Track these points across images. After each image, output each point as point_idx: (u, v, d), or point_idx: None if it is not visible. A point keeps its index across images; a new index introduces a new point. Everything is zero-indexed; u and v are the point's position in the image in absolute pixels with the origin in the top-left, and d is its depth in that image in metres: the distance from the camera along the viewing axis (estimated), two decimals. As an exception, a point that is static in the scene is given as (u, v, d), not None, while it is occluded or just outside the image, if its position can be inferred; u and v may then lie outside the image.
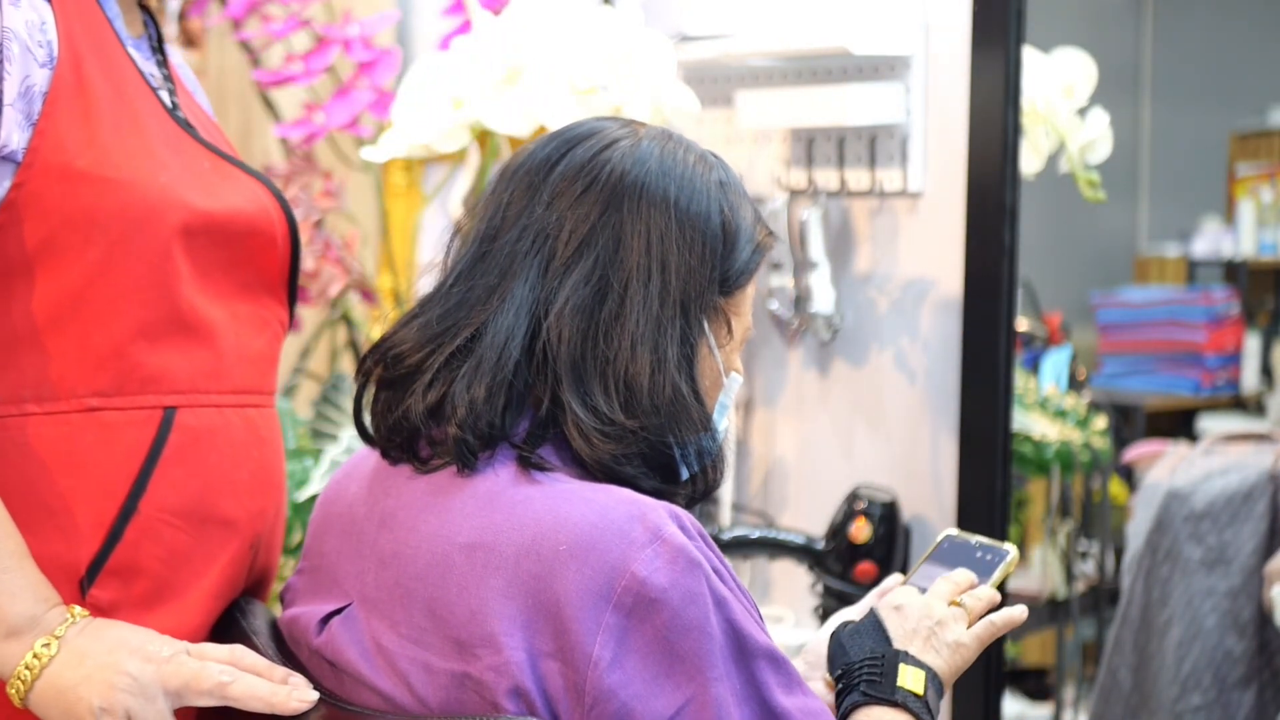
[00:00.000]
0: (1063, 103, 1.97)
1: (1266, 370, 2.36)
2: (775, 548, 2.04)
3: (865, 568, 1.96)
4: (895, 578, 1.38)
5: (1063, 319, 2.31)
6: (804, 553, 2.02)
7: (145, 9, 1.41)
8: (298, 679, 1.18)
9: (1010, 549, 1.34)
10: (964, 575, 1.31)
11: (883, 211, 2.10)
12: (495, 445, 1.14)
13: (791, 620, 2.23)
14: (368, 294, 2.44)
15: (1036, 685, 2.36)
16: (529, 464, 1.13)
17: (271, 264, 1.40)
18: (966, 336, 1.95)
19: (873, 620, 1.28)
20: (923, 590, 1.31)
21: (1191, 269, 2.44)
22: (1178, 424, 2.37)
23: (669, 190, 1.18)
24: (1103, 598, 2.25)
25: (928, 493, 2.04)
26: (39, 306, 1.24)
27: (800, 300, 2.14)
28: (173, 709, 1.17)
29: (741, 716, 1.07)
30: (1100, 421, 2.20)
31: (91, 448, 1.26)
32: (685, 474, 1.19)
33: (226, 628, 1.32)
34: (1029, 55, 1.91)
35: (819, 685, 1.28)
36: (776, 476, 2.28)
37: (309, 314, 2.53)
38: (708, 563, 1.09)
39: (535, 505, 1.10)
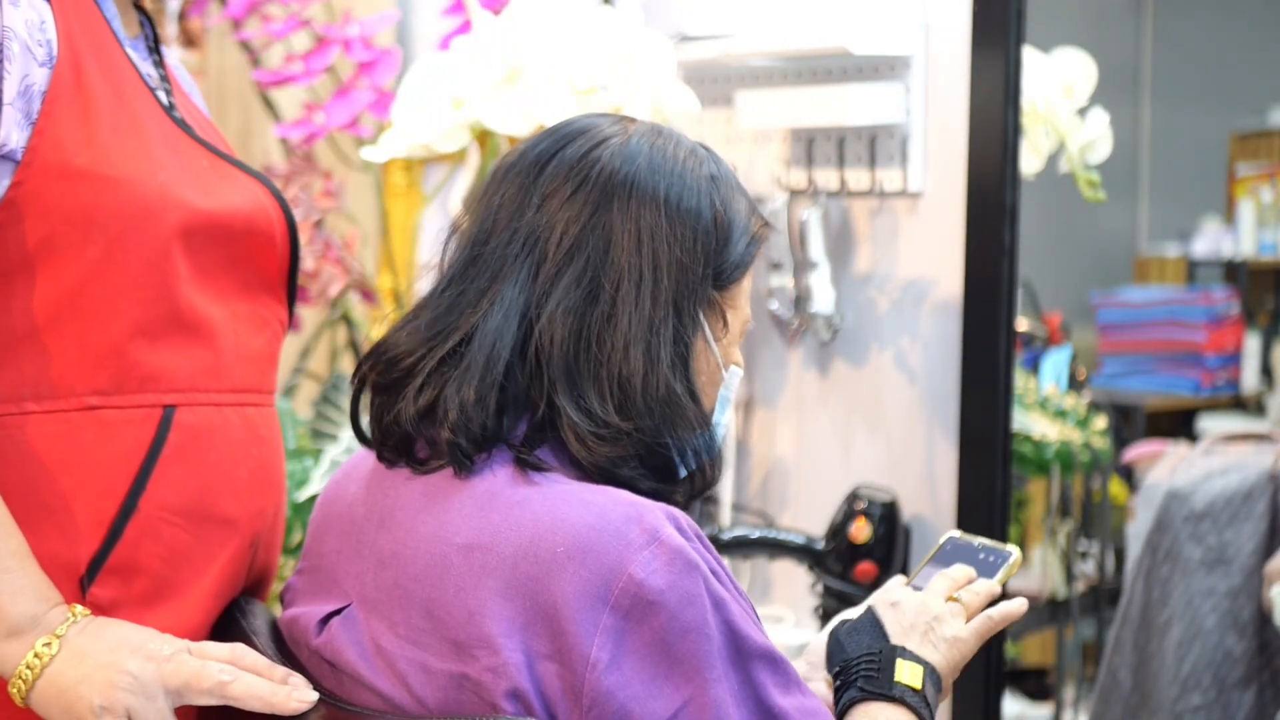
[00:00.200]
0: (1063, 103, 1.97)
1: (1266, 370, 2.35)
2: (775, 548, 2.04)
3: (865, 568, 1.96)
4: (898, 579, 1.38)
5: (1063, 319, 2.31)
6: (804, 553, 2.02)
7: (141, 9, 1.41)
8: (298, 679, 1.18)
9: (1013, 550, 1.34)
10: (961, 571, 1.31)
11: (883, 211, 2.10)
12: (491, 447, 1.14)
13: (791, 620, 2.23)
14: (368, 294, 2.44)
15: (1036, 685, 2.36)
16: (526, 465, 1.13)
17: (270, 263, 1.40)
18: (966, 336, 1.95)
19: (870, 617, 1.28)
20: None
21: (1191, 269, 2.44)
22: (1178, 424, 2.37)
23: (659, 187, 1.18)
24: (1103, 598, 2.25)
25: (927, 493, 2.04)
26: (38, 305, 1.24)
27: (800, 300, 2.14)
28: (173, 708, 1.17)
29: (740, 717, 1.07)
30: (1100, 421, 2.20)
31: (91, 446, 1.26)
32: (683, 473, 1.19)
33: (227, 627, 1.32)
34: (1029, 55, 1.91)
35: (820, 686, 1.28)
36: (776, 476, 2.28)
37: (309, 314, 2.53)
38: (705, 564, 1.09)
39: (533, 506, 1.10)
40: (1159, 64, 2.36)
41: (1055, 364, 2.26)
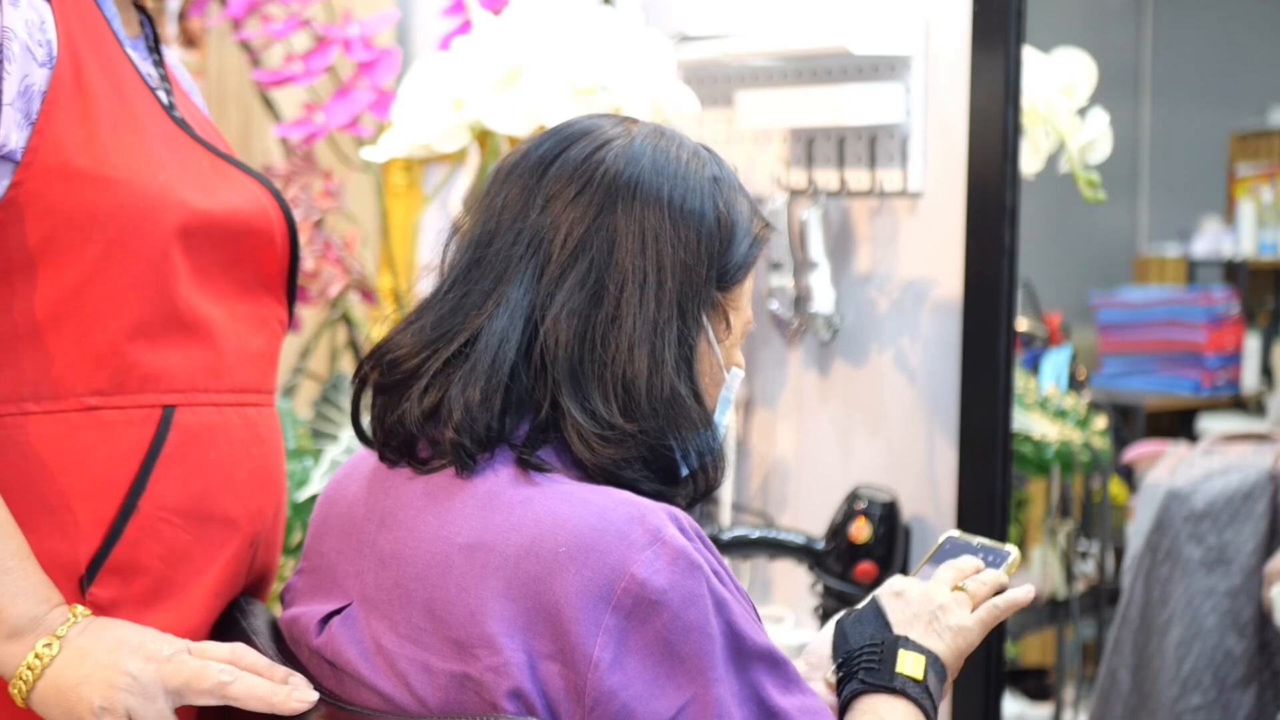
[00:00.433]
0: (1063, 103, 1.97)
1: (1266, 370, 2.35)
2: (775, 548, 2.04)
3: (865, 568, 1.96)
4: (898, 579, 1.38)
5: (1063, 319, 2.31)
6: (804, 553, 2.02)
7: (141, 9, 1.41)
8: (298, 679, 1.18)
9: (1012, 550, 1.34)
10: (968, 561, 1.31)
11: (883, 211, 2.10)
12: (494, 447, 1.14)
13: (791, 620, 2.23)
14: (368, 294, 2.44)
15: (1036, 685, 2.36)
16: (529, 465, 1.13)
17: (270, 263, 1.40)
18: (966, 336, 1.95)
19: (874, 607, 1.28)
20: None
21: (1191, 269, 2.44)
22: (1178, 424, 2.37)
23: (662, 189, 1.18)
24: (1103, 598, 2.25)
25: (927, 493, 2.04)
26: (39, 305, 1.24)
27: (800, 300, 2.14)
28: (173, 708, 1.17)
29: (741, 717, 1.07)
30: (1100, 421, 2.20)
31: (91, 446, 1.26)
32: (686, 474, 1.19)
33: (227, 627, 1.32)
34: (1029, 55, 1.91)
35: (820, 686, 1.28)
36: (776, 476, 2.28)
37: (309, 314, 2.53)
38: (707, 564, 1.09)
39: (534, 506, 1.10)
40: (1159, 64, 2.36)
41: (1055, 364, 2.26)
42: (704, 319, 1.20)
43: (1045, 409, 2.17)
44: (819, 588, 2.02)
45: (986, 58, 1.90)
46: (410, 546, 1.14)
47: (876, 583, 1.84)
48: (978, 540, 1.37)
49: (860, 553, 1.97)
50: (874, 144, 2.07)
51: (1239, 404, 2.37)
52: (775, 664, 1.11)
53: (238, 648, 1.20)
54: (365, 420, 1.24)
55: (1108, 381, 2.42)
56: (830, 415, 2.19)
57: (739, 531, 2.04)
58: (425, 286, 1.24)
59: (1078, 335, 2.37)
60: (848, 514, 1.99)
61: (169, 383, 1.29)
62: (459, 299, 1.18)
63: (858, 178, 2.10)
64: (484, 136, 1.99)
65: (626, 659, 1.05)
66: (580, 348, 1.14)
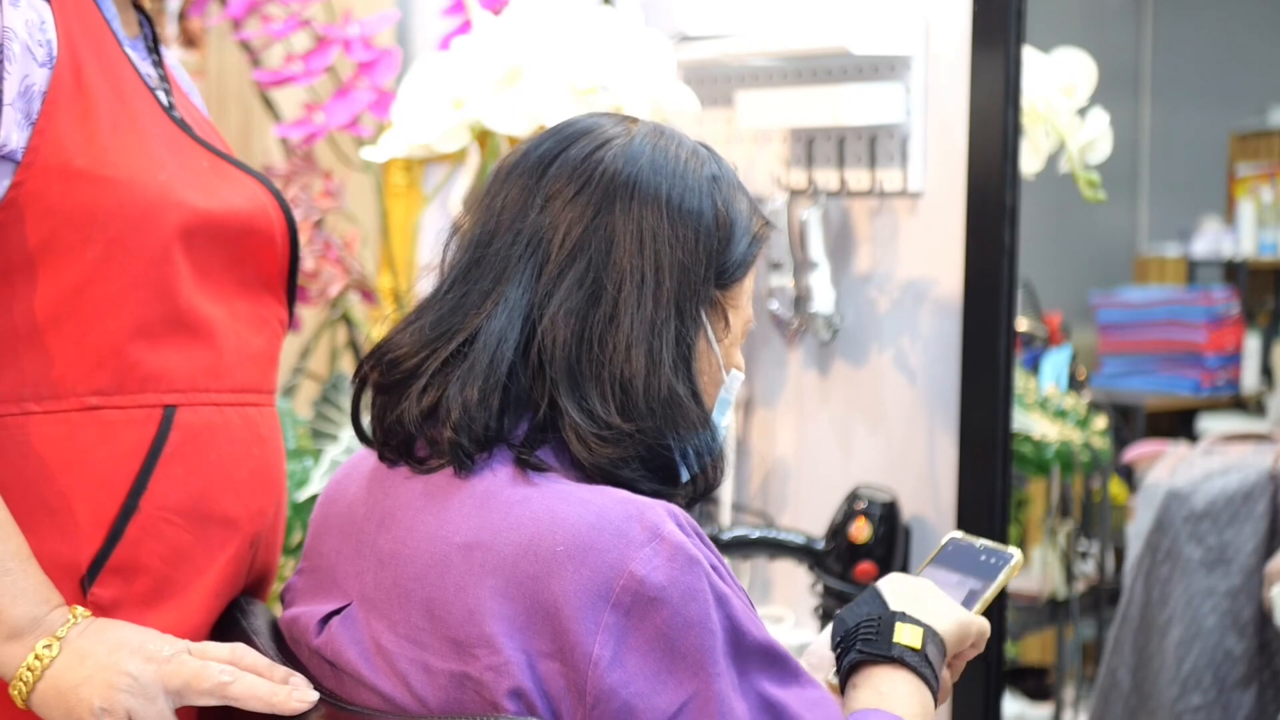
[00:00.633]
0: (1063, 103, 1.97)
1: (1266, 370, 2.35)
2: (775, 548, 2.04)
3: (865, 568, 1.96)
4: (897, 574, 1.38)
5: (1063, 319, 2.31)
6: (804, 553, 2.02)
7: (141, 9, 1.41)
8: (298, 679, 1.18)
9: (1015, 552, 1.34)
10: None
11: (883, 211, 2.10)
12: (492, 447, 1.14)
13: (791, 620, 2.23)
14: (368, 294, 2.44)
15: (1036, 685, 2.36)
16: (527, 465, 1.13)
17: (270, 262, 1.40)
18: (966, 336, 1.95)
19: (871, 592, 1.27)
20: None
21: (1191, 269, 2.44)
22: (1178, 424, 2.37)
23: (661, 188, 1.18)
24: (1103, 598, 2.25)
25: (927, 493, 2.05)
26: (39, 305, 1.24)
27: (800, 300, 2.14)
28: (173, 708, 1.17)
29: (743, 711, 1.07)
30: (1100, 421, 2.20)
31: (92, 446, 1.26)
32: (685, 475, 1.19)
33: (227, 627, 1.32)
34: (1029, 55, 1.91)
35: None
36: (776, 476, 2.28)
37: (309, 314, 2.53)
38: (706, 560, 1.09)
39: (532, 506, 1.10)
40: (1159, 64, 2.36)
41: (1055, 364, 2.26)
42: (703, 318, 1.20)
43: (1045, 409, 2.17)
44: (819, 588, 2.02)
45: (986, 58, 1.90)
46: (409, 546, 1.14)
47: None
48: (981, 542, 1.36)
49: (860, 553, 1.97)
50: (874, 144, 2.07)
51: (1239, 404, 2.37)
52: (776, 658, 1.11)
53: (238, 648, 1.20)
54: (365, 420, 1.25)
55: (1108, 381, 2.43)
56: (830, 415, 2.19)
57: (739, 531, 2.04)
58: (425, 286, 1.24)
59: (1078, 335, 2.37)
60: (848, 514, 1.99)
61: (170, 382, 1.29)
62: (458, 299, 1.18)
63: (858, 178, 2.10)
64: (484, 136, 1.99)
65: (627, 656, 1.05)
66: (578, 347, 1.14)
